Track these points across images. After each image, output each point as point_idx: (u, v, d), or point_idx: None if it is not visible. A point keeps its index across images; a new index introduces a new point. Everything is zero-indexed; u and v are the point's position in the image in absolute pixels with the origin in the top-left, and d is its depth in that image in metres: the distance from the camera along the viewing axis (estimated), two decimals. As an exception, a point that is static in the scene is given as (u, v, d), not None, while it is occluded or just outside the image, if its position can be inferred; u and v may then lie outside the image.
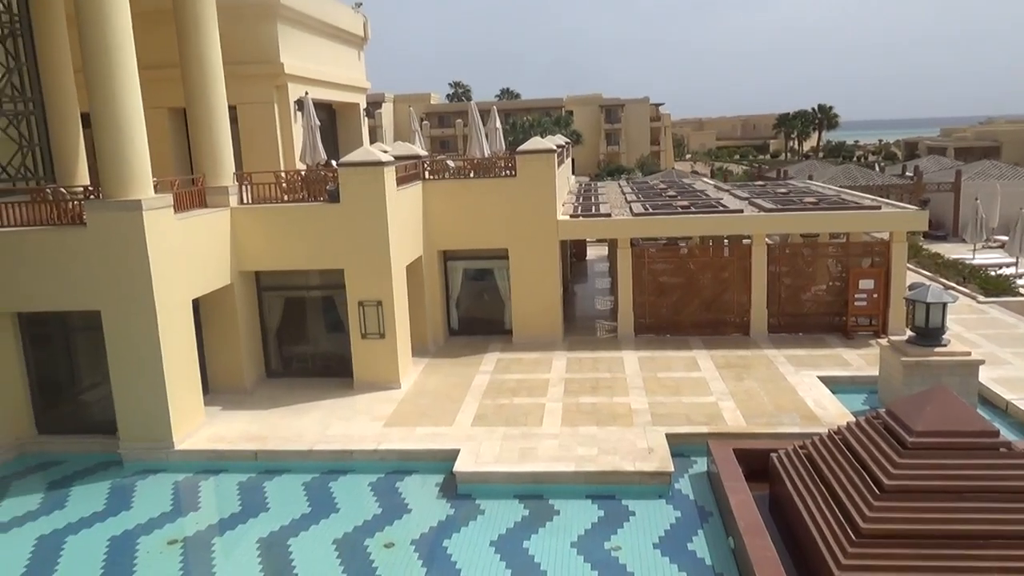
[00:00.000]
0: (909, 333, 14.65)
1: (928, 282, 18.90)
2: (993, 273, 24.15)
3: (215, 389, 15.87)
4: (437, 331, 19.27)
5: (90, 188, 13.80)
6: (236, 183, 15.91)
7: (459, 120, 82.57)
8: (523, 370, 17.08)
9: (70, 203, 13.41)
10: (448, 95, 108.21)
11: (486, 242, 18.82)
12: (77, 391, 14.62)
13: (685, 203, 20.69)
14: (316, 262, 15.95)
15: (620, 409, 14.39)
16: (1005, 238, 31.39)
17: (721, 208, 19.71)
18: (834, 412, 13.87)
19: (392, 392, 15.83)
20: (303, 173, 16.46)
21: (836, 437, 10.45)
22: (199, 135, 15.69)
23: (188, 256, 13.82)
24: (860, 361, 16.84)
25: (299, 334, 17.15)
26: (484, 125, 20.64)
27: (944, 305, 13.82)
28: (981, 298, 21.42)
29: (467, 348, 18.90)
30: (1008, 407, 14.05)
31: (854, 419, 11.12)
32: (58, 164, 15.80)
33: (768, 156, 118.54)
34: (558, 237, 18.79)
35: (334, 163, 16.73)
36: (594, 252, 31.88)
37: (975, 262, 26.66)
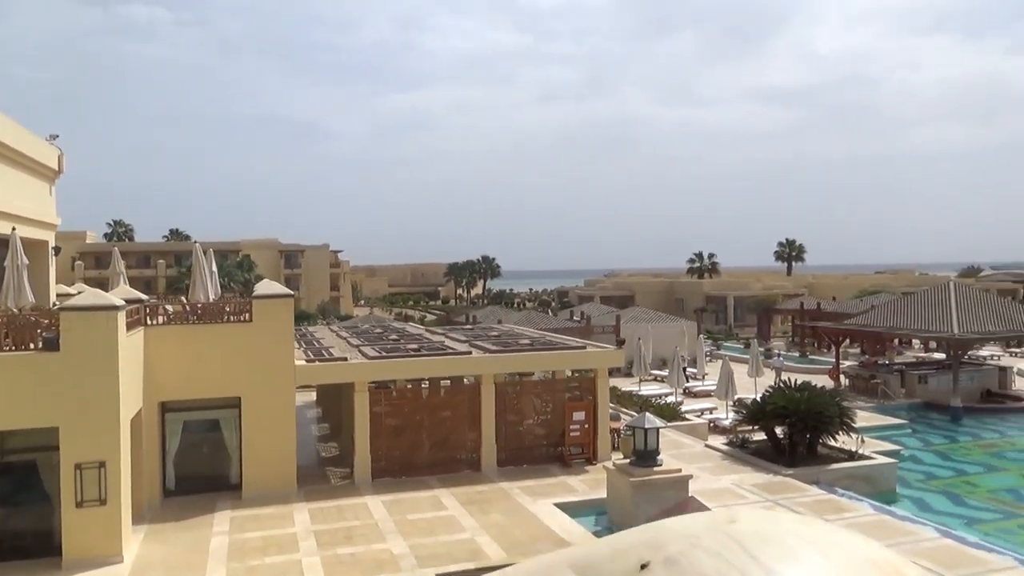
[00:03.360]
0: (615, 456, 16.64)
1: (613, 411, 21.64)
2: (660, 402, 28.26)
3: None
4: (153, 493, 17.29)
5: None
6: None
7: (161, 260, 78.99)
8: (264, 526, 15.96)
9: None
10: (106, 234, 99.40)
11: (215, 390, 17.68)
12: None
13: (415, 346, 21.54)
14: (20, 420, 13.69)
15: (383, 556, 14.14)
16: (658, 372, 37.00)
17: (451, 350, 20.87)
18: (578, 534, 15.08)
19: (114, 569, 13.76)
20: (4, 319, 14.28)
21: (606, 555, 11.50)
22: None
23: None
24: (583, 486, 18.54)
25: (-15, 510, 14.29)
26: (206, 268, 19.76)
27: (658, 430, 16.09)
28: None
29: (190, 509, 17.15)
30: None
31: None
32: None
33: (440, 302, 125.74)
34: (295, 383, 18.33)
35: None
36: (301, 398, 30.97)
37: (643, 393, 30.97)
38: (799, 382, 22.27)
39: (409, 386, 20.06)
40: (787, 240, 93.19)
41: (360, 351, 20.97)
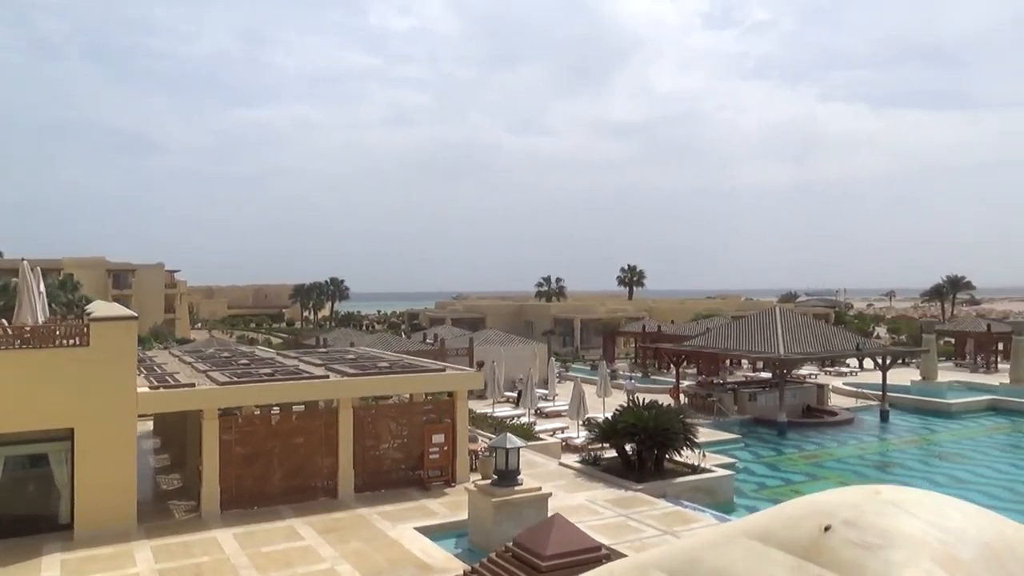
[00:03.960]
0: (474, 478, 16.82)
1: (471, 433, 21.84)
2: (514, 423, 28.75)
3: None
4: (-33, 537, 15.56)
5: None
6: None
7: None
8: (102, 568, 14.77)
9: None
10: None
11: (44, 422, 16.23)
12: None
13: (268, 370, 20.76)
14: None
15: (237, 591, 13.47)
16: (510, 393, 37.63)
17: (307, 374, 20.29)
18: (440, 557, 15.06)
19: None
20: None
21: (473, 576, 11.57)
22: None
23: None
24: (444, 509, 18.53)
25: None
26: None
27: (519, 450, 16.39)
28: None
29: (12, 554, 15.56)
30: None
31: (467, 565, 12.43)
32: None
33: (285, 324, 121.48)
34: (137, 411, 17.16)
35: None
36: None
37: (497, 415, 31.39)
38: (647, 401, 23.42)
39: (257, 412, 19.28)
40: (628, 266, 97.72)
41: (208, 376, 19.94)
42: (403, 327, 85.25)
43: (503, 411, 33.20)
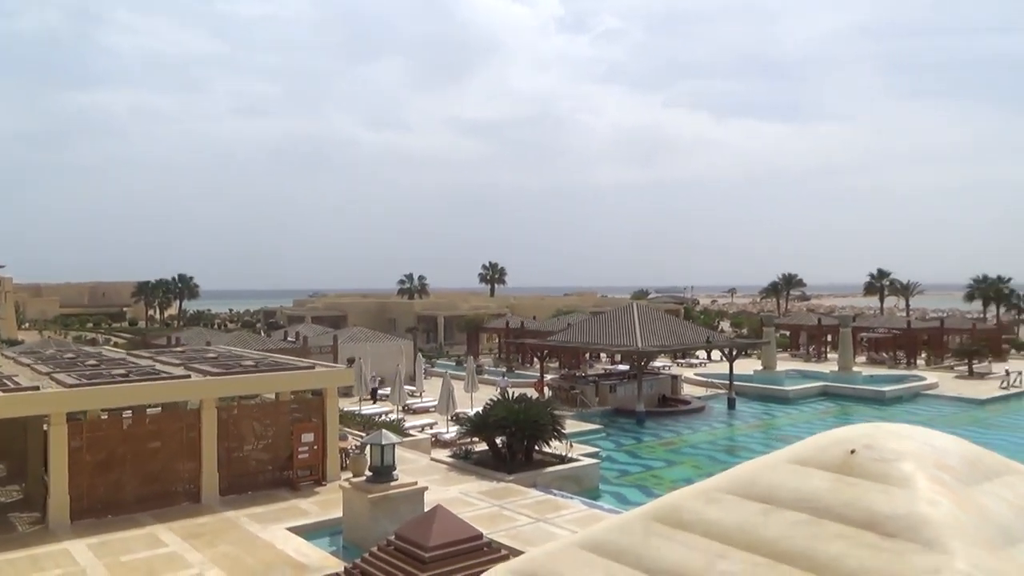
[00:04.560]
0: (344, 476, 16.66)
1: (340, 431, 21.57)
2: (383, 420, 28.55)
3: None
4: None
5: None
6: None
7: None
8: (-66, 589, 13.48)
9: None
10: None
11: None
12: None
13: (121, 371, 19.54)
14: None
15: (96, 604, 12.69)
16: (384, 391, 37.29)
17: (166, 375, 19.29)
18: (315, 557, 14.82)
19: None
20: None
21: (355, 572, 11.51)
22: None
23: None
24: (316, 508, 18.19)
25: None
26: None
27: (393, 446, 16.37)
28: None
29: None
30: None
31: (345, 563, 12.35)
32: None
33: (127, 324, 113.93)
34: (-27, 417, 15.70)
35: None
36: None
37: (365, 412, 31.03)
38: (517, 394, 23.94)
39: (103, 416, 18.11)
40: (490, 263, 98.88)
41: (54, 379, 18.54)
42: (259, 326, 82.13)
43: (371, 409, 32.86)
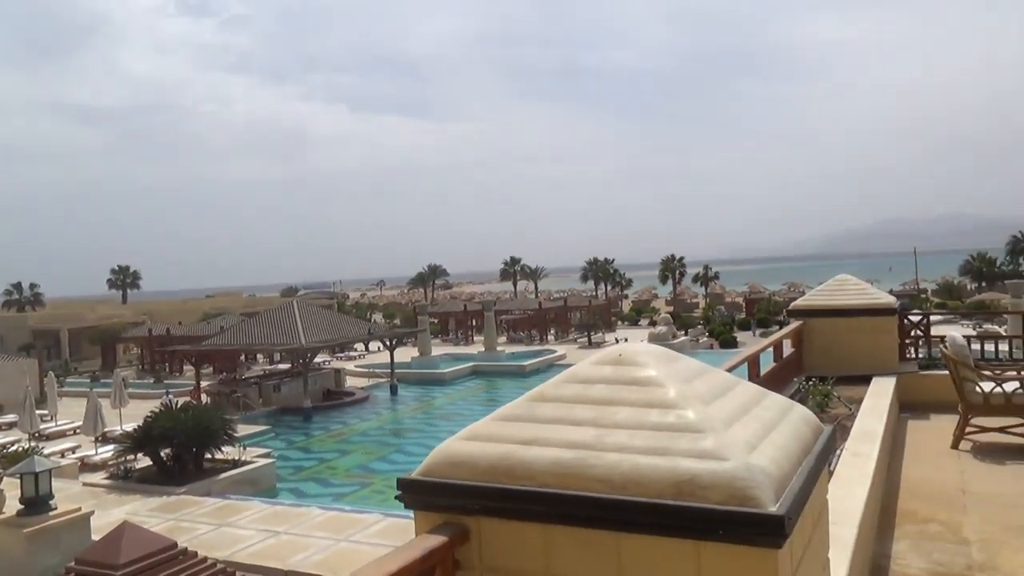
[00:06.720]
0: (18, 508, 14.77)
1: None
2: (12, 450, 24.97)
3: None
4: None
5: None
6: None
7: None
8: None
9: None
10: None
11: None
12: None
13: None
14: None
15: None
16: (10, 418, 32.39)
17: None
18: (-42, 612, 12.92)
19: None
20: None
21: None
22: None
23: None
24: (-55, 559, 15.60)
25: None
26: None
27: (50, 472, 14.76)
28: None
29: None
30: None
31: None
32: None
33: None
34: None
35: None
36: None
37: None
38: (180, 404, 22.74)
39: None
40: (120, 267, 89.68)
41: None
42: None
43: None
